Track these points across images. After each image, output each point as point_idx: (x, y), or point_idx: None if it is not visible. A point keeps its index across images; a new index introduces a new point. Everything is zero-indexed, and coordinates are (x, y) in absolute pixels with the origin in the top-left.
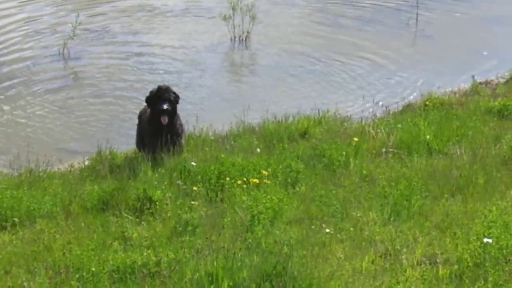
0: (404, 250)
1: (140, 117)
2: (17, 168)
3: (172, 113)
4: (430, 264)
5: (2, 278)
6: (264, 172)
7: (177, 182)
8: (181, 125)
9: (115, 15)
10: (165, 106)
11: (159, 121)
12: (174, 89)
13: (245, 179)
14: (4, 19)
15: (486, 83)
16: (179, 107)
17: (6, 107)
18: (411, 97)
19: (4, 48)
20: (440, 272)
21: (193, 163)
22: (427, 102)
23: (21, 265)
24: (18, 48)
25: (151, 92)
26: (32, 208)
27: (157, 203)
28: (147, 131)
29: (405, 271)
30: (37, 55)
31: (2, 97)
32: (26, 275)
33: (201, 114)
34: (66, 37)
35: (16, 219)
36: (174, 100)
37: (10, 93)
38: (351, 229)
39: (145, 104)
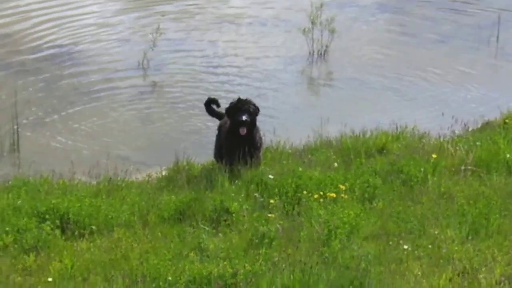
0: (483, 269)
1: (219, 128)
2: (96, 177)
3: (251, 125)
4: (509, 284)
5: (80, 285)
6: (341, 186)
7: (254, 194)
8: (260, 138)
9: (192, 24)
10: (244, 118)
11: (238, 132)
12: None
13: (322, 193)
14: (79, 28)
15: None
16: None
17: (85, 117)
18: (490, 114)
19: (84, 58)
20: None
21: (270, 176)
22: (506, 120)
23: (99, 273)
24: (97, 58)
25: (231, 103)
26: (110, 216)
27: (233, 214)
28: (226, 142)
29: None
30: (117, 65)
31: (81, 107)
32: (104, 283)
33: (278, 127)
34: (145, 47)
35: (94, 227)
36: (253, 111)
37: (90, 103)
38: (429, 246)
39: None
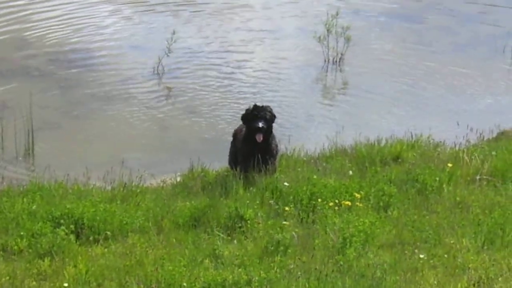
0: (499, 279)
1: (234, 135)
2: (111, 182)
3: (268, 132)
4: None
5: None
6: (356, 194)
7: (269, 201)
8: (276, 145)
9: (207, 30)
10: (260, 124)
11: (254, 139)
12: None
13: (337, 201)
14: (94, 33)
15: None
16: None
17: (100, 122)
18: (506, 124)
19: (99, 63)
20: None
21: (285, 183)
22: None
23: (113, 279)
24: (112, 63)
25: (247, 110)
26: (124, 222)
27: (248, 221)
28: (242, 149)
29: None
30: (132, 71)
31: (96, 112)
32: None
33: (293, 135)
34: (160, 53)
35: (108, 233)
36: (270, 118)
37: (105, 108)
38: (444, 255)
39: (238, 122)
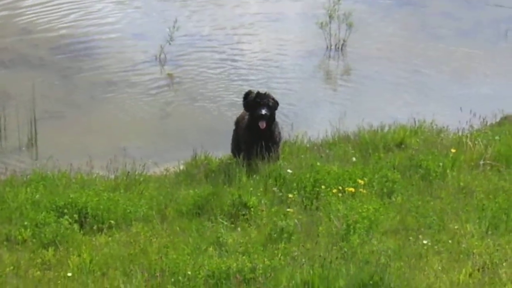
0: (503, 264)
1: (237, 123)
2: (114, 171)
3: (271, 119)
4: None
5: (99, 279)
6: (359, 181)
7: (273, 189)
8: (279, 133)
9: (209, 18)
10: (263, 111)
11: (257, 127)
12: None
13: (340, 187)
14: (96, 21)
15: None
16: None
17: (102, 111)
18: (509, 109)
19: (101, 52)
20: None
21: (289, 170)
22: None
23: (118, 267)
24: (115, 51)
25: (249, 97)
26: (128, 211)
27: (252, 209)
28: (244, 137)
29: (504, 286)
30: (134, 59)
31: (99, 101)
32: (123, 277)
33: (296, 122)
34: (162, 41)
35: (112, 221)
36: (272, 105)
37: (107, 97)
38: (449, 241)
39: (240, 110)
